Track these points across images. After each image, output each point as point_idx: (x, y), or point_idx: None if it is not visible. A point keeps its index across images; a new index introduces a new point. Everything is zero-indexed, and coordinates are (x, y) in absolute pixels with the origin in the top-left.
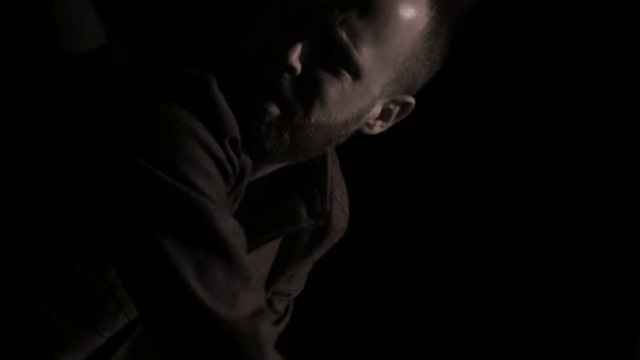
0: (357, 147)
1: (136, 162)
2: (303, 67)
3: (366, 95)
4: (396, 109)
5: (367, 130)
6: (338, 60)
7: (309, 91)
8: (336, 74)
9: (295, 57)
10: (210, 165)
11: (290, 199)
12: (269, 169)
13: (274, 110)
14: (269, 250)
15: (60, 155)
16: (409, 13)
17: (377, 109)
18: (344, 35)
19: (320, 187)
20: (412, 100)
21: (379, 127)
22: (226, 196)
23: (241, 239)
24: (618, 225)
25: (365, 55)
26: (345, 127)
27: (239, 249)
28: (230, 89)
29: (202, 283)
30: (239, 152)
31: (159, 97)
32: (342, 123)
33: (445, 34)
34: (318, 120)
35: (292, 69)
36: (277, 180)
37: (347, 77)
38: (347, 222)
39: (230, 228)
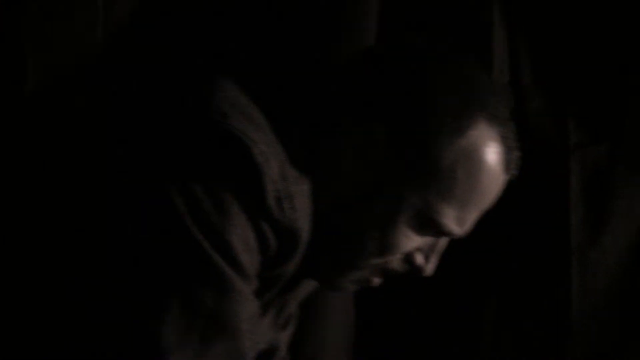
0: None
1: (177, 212)
2: None
3: None
4: None
5: None
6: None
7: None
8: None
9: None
10: (252, 238)
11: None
12: None
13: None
14: None
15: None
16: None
17: None
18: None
19: None
20: None
21: None
22: (257, 270)
23: (253, 324)
24: None
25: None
26: None
27: (243, 336)
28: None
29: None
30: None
31: (211, 147)
32: None
33: None
34: None
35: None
36: None
37: None
38: None
39: (247, 313)
